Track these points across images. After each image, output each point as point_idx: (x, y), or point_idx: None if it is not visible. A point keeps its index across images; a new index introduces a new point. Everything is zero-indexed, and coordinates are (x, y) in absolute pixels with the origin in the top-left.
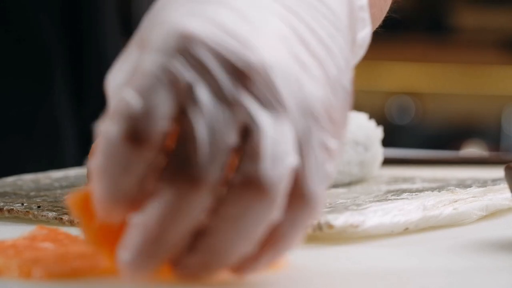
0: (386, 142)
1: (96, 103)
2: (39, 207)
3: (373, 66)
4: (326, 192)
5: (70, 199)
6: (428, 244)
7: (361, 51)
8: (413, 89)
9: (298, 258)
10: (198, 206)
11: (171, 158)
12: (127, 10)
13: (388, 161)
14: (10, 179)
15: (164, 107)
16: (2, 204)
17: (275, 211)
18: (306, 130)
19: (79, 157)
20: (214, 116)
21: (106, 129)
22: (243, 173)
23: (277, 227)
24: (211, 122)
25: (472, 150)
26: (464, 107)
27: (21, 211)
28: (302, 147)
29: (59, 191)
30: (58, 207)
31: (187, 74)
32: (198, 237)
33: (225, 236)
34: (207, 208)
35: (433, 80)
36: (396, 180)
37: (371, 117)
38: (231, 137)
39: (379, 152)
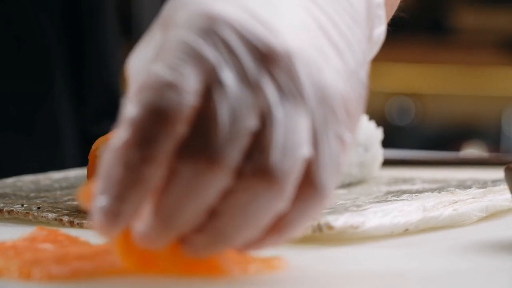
0: (386, 143)
1: (96, 103)
2: (39, 208)
3: (373, 67)
4: (336, 184)
5: (80, 192)
6: (428, 245)
7: (376, 48)
8: (413, 90)
9: (298, 259)
10: (214, 186)
11: (191, 136)
12: (127, 10)
13: (388, 162)
14: (10, 180)
15: (192, 82)
16: (2, 205)
17: (283, 201)
18: (323, 120)
19: (79, 157)
20: (237, 98)
21: (133, 102)
22: (254, 162)
23: (285, 214)
24: (234, 104)
25: (472, 151)
26: (464, 108)
27: (21, 212)
28: (317, 138)
29: (59, 192)
30: (58, 208)
31: (213, 54)
32: (208, 217)
33: (232, 221)
34: (222, 190)
35: (433, 81)
36: (396, 181)
37: (371, 118)
38: (252, 121)
39: (379, 153)
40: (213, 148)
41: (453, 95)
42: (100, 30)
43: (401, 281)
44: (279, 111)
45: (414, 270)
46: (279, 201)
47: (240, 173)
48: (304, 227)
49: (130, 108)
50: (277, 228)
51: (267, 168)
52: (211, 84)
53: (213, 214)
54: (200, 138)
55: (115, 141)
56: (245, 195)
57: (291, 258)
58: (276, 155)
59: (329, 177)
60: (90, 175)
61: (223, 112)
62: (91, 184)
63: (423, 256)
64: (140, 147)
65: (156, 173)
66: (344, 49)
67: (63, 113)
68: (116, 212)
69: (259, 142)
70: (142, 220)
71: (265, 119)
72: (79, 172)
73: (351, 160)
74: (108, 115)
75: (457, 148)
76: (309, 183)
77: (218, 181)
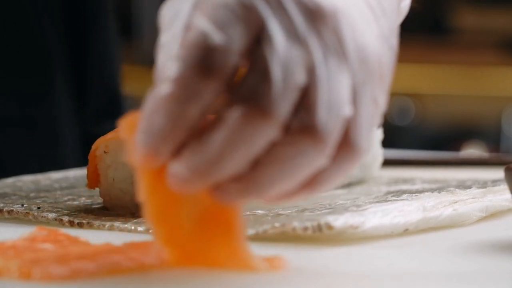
0: (386, 143)
1: (96, 103)
2: (39, 208)
3: None
4: (370, 144)
5: (125, 121)
6: (428, 245)
7: (400, 19)
8: (413, 90)
9: (298, 259)
10: (262, 137)
11: (242, 86)
12: (127, 10)
13: (388, 162)
14: (10, 180)
15: (239, 43)
16: (2, 205)
17: (324, 159)
18: (362, 81)
19: (79, 157)
20: (287, 53)
21: (177, 57)
22: (301, 118)
23: (320, 171)
24: (284, 60)
25: (472, 151)
26: (464, 108)
27: (21, 212)
28: (356, 97)
29: (59, 192)
30: (58, 208)
31: (263, 9)
32: (248, 168)
33: (271, 172)
34: (269, 142)
35: (433, 81)
36: (396, 181)
37: None
38: (301, 76)
39: (379, 153)
40: (266, 101)
41: (453, 95)
42: (100, 30)
43: (401, 281)
44: (323, 69)
45: (414, 270)
46: (321, 158)
47: (287, 128)
48: (336, 184)
49: (174, 63)
50: (311, 183)
51: (314, 125)
52: (260, 40)
53: (253, 165)
54: (252, 90)
55: (156, 92)
56: (289, 149)
57: (291, 258)
58: (322, 113)
59: (364, 137)
60: (90, 175)
61: (274, 68)
62: (136, 115)
63: (423, 256)
64: (181, 103)
65: (198, 124)
66: (379, 15)
67: (63, 113)
68: (155, 150)
69: (306, 98)
70: (181, 161)
71: (311, 76)
72: (79, 172)
73: None
74: (108, 115)
75: (457, 148)
76: (347, 142)
77: (267, 132)
